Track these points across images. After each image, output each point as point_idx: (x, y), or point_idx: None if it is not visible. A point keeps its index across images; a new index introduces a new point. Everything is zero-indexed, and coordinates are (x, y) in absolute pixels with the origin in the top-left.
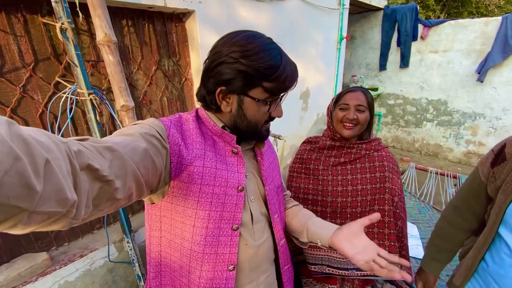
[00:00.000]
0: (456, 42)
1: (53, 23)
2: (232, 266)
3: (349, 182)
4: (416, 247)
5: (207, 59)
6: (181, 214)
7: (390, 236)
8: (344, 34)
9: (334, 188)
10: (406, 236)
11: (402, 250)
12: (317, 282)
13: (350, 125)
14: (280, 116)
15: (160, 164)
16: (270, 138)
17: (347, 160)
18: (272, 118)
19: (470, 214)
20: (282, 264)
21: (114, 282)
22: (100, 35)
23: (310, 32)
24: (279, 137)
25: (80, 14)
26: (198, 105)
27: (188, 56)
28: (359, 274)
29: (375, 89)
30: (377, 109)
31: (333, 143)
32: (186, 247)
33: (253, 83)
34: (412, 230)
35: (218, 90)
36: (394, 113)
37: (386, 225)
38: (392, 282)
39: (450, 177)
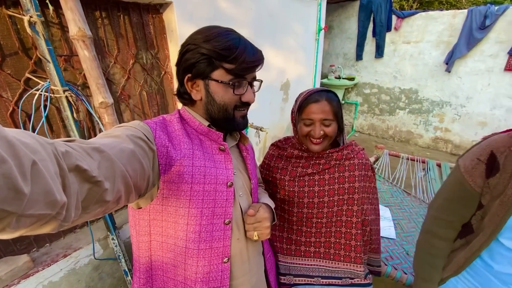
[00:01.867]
0: (427, 33)
1: (19, 15)
2: (227, 258)
3: (316, 194)
4: (388, 228)
5: (178, 57)
6: (173, 215)
7: (357, 248)
8: (323, 25)
9: (300, 200)
10: (379, 232)
11: (372, 244)
12: None
13: (318, 140)
14: (250, 100)
15: (148, 166)
16: (252, 131)
17: (315, 171)
18: (245, 104)
19: (460, 224)
20: (266, 253)
21: (100, 279)
22: (73, 30)
23: (289, 24)
24: (261, 129)
25: (50, 7)
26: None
27: (167, 49)
28: (324, 282)
29: (352, 79)
30: (354, 98)
31: (300, 154)
32: (180, 246)
33: (213, 64)
34: (385, 212)
35: (186, 77)
36: (370, 101)
37: (353, 237)
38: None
39: (420, 162)
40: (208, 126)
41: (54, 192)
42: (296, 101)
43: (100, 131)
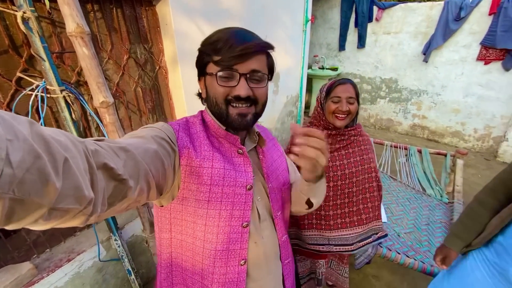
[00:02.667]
0: (406, 24)
1: (8, 10)
2: (243, 261)
3: (346, 166)
4: None
5: None
6: (192, 215)
7: (378, 207)
8: (309, 16)
9: (335, 173)
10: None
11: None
12: (308, 258)
13: (343, 116)
14: (240, 93)
15: (169, 167)
16: None
17: (340, 146)
18: (237, 98)
19: (505, 197)
20: (283, 259)
21: (104, 281)
22: (71, 26)
23: (279, 15)
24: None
25: (47, 2)
26: (174, 94)
27: (161, 43)
28: (361, 245)
29: (335, 69)
30: None
31: (328, 132)
32: (198, 246)
33: (205, 59)
34: None
35: (198, 78)
36: None
37: (376, 198)
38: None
39: (402, 148)
40: (226, 129)
41: (83, 188)
42: (321, 90)
43: (98, 130)
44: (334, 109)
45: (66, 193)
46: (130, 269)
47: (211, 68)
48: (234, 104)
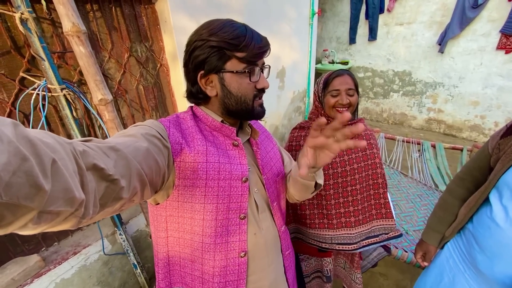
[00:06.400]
0: (419, 14)
1: (8, 12)
2: (243, 253)
3: (347, 163)
4: None
5: (184, 56)
6: (189, 210)
7: (386, 204)
8: (316, 9)
9: (335, 171)
10: None
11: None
12: (312, 256)
13: (344, 109)
14: (266, 86)
15: (163, 163)
16: None
17: None
18: (261, 91)
19: (473, 185)
20: (284, 250)
21: (111, 274)
22: (67, 25)
23: (283, 9)
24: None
25: (43, 2)
26: (176, 91)
27: (161, 40)
28: (364, 244)
29: (346, 63)
30: None
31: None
32: (197, 241)
33: (225, 55)
34: None
35: (199, 75)
36: (364, 85)
37: (381, 195)
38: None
39: (415, 143)
40: (221, 122)
41: (73, 189)
42: (318, 83)
43: (101, 128)
44: (334, 103)
45: (56, 195)
46: (136, 263)
47: (235, 65)
48: (258, 98)
